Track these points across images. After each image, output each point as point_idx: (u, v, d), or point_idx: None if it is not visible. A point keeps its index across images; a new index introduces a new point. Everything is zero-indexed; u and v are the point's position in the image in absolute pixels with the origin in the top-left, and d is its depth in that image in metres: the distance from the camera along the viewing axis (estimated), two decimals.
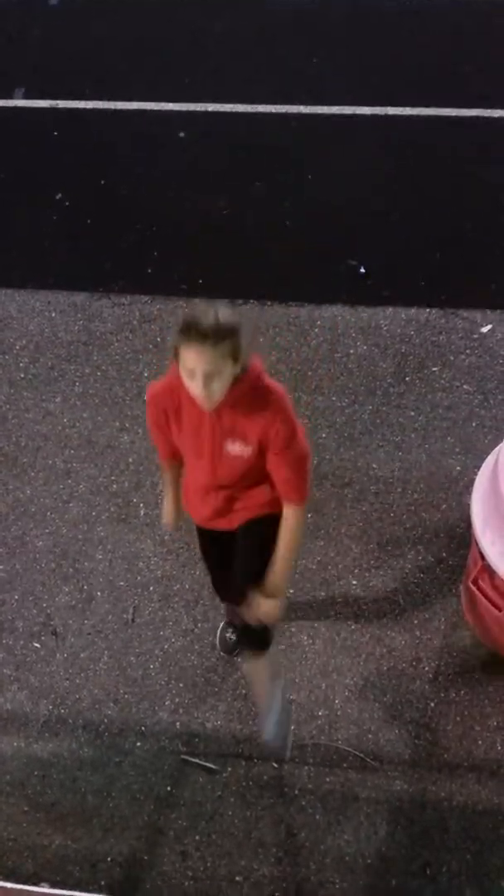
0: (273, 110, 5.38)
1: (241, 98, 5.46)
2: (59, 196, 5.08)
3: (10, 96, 5.67)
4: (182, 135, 5.33)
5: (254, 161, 5.14)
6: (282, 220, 4.84)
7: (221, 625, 3.42)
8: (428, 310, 4.39)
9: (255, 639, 2.80)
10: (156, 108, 5.49)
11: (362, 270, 4.61)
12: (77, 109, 5.55)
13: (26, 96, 5.66)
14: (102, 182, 5.13)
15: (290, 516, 2.47)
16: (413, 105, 5.33)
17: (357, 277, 4.59)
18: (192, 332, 2.07)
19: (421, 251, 4.66)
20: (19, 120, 5.54)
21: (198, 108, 5.46)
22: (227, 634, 3.38)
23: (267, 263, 4.66)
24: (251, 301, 4.47)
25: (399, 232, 4.75)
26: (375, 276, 4.58)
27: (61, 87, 5.66)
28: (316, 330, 4.34)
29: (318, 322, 4.37)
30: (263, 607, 2.53)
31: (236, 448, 2.34)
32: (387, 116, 5.29)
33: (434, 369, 4.15)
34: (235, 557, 2.66)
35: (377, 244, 4.71)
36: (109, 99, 5.57)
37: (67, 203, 5.05)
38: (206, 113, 5.44)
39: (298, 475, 2.43)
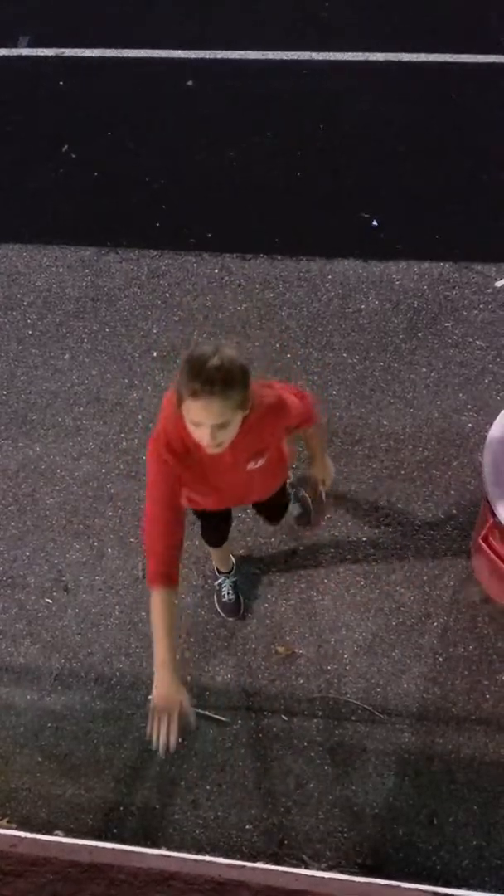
0: (284, 57, 5.23)
1: (251, 45, 5.31)
2: (65, 148, 4.99)
3: (14, 45, 5.53)
4: (190, 84, 5.20)
5: (264, 111, 5.02)
6: (293, 172, 4.74)
7: (217, 588, 3.43)
8: (441, 264, 4.31)
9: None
10: (164, 55, 5.35)
11: (375, 223, 4.52)
12: (83, 58, 5.42)
13: (31, 45, 5.52)
14: (109, 133, 5.03)
15: (313, 430, 2.60)
16: (428, 51, 5.16)
17: (369, 230, 4.50)
18: (198, 385, 1.91)
19: (435, 203, 4.56)
20: (24, 70, 5.42)
21: (207, 56, 5.31)
22: (225, 598, 3.40)
23: (277, 216, 4.58)
24: (261, 255, 4.40)
25: (413, 183, 4.64)
26: (388, 229, 4.49)
27: (67, 35, 5.52)
28: (327, 285, 4.28)
29: (330, 276, 4.30)
30: (328, 480, 2.82)
31: (259, 462, 2.35)
32: (401, 63, 5.13)
33: (447, 325, 4.09)
34: (262, 510, 2.97)
35: (390, 196, 4.61)
36: (116, 47, 5.43)
37: (74, 155, 4.96)
38: (215, 60, 5.29)
39: (310, 413, 2.49)
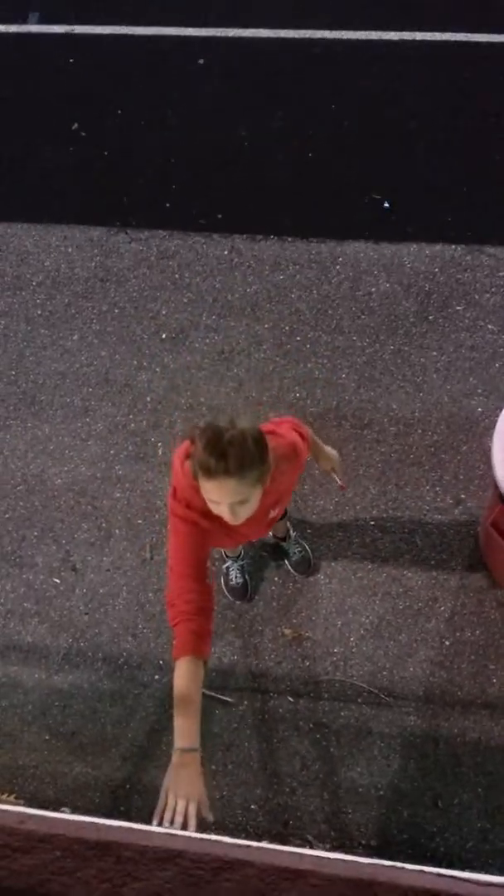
0: (296, 36, 5.16)
1: (263, 23, 5.24)
2: (75, 126, 4.95)
3: (24, 21, 5.48)
4: (201, 62, 5.15)
5: (275, 89, 4.96)
6: (304, 152, 4.69)
7: (225, 572, 3.44)
8: (453, 246, 4.27)
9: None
10: (175, 33, 5.29)
11: (386, 205, 4.48)
12: (93, 35, 5.36)
13: (41, 21, 5.47)
14: (119, 112, 4.99)
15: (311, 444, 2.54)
16: (442, 30, 5.08)
17: (381, 212, 4.46)
18: (212, 463, 1.81)
19: (447, 185, 4.51)
20: (34, 47, 5.37)
21: (218, 34, 5.25)
22: (233, 582, 3.40)
23: (288, 197, 4.55)
24: (271, 237, 4.37)
25: (425, 165, 4.59)
26: (400, 211, 4.45)
27: (77, 11, 5.46)
28: (338, 267, 4.25)
29: (340, 259, 4.27)
30: (336, 466, 2.79)
31: (277, 508, 2.33)
32: (414, 42, 5.06)
33: (458, 308, 4.06)
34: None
35: (402, 177, 4.56)
36: (127, 24, 5.37)
37: (84, 134, 4.92)
38: (226, 38, 5.23)
39: (307, 442, 2.44)
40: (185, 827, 1.73)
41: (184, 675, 1.93)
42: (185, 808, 1.75)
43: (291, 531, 3.42)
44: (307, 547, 3.45)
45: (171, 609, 2.03)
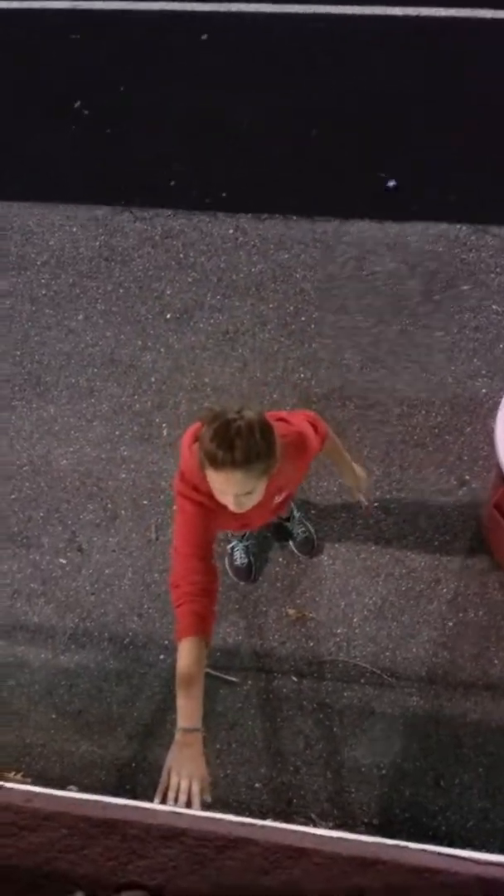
0: (300, 11, 5.09)
1: None
2: (77, 104, 4.91)
3: None
4: (204, 38, 5.09)
5: (279, 66, 4.91)
6: (307, 130, 4.65)
7: (230, 552, 3.45)
8: (458, 226, 4.23)
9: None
10: (178, 8, 5.23)
11: (391, 183, 4.44)
12: (96, 11, 5.30)
13: None
14: (122, 89, 4.94)
15: (329, 445, 2.54)
16: (447, 5, 5.01)
17: (386, 191, 4.43)
18: (219, 455, 1.82)
19: (453, 164, 4.47)
20: (37, 23, 5.31)
21: (221, 9, 5.18)
22: (237, 562, 3.42)
23: (292, 176, 4.51)
24: (276, 215, 4.34)
25: (430, 143, 4.54)
26: (405, 190, 4.41)
27: None
28: (343, 246, 4.22)
29: (345, 238, 4.24)
30: (364, 488, 2.89)
31: (283, 494, 2.33)
32: (419, 18, 4.99)
33: (463, 288, 4.03)
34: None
35: (407, 156, 4.52)
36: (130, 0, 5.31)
37: (87, 112, 4.88)
38: (229, 14, 5.17)
39: (324, 436, 2.46)
40: (188, 805, 1.75)
41: (186, 656, 1.95)
42: (188, 788, 1.77)
43: (296, 511, 3.43)
44: (311, 528, 3.46)
45: (175, 590, 2.05)
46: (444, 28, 4.94)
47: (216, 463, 1.84)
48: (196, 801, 1.77)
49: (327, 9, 5.08)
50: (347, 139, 4.60)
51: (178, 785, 1.77)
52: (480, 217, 4.24)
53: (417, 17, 4.98)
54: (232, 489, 1.90)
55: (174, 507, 2.12)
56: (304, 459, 2.26)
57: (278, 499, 2.33)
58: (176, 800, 1.76)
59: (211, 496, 2.03)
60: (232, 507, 1.96)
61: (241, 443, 1.81)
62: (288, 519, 3.42)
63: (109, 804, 1.32)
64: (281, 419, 2.20)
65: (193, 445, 1.99)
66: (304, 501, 3.55)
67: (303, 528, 3.44)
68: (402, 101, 4.69)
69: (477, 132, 4.55)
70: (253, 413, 1.88)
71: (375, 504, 3.52)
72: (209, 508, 2.07)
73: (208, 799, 1.81)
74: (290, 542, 3.47)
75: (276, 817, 2.93)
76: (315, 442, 2.31)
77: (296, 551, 3.46)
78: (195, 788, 1.78)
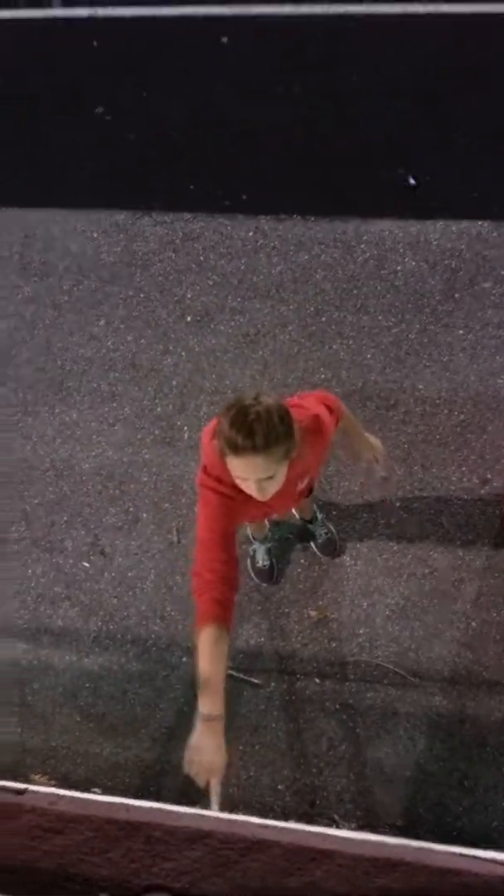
0: (318, 11, 5.09)
1: None
2: (99, 110, 4.94)
3: (48, 5, 5.46)
4: (225, 41, 5.10)
5: (299, 66, 4.90)
6: (327, 130, 4.64)
7: (251, 554, 3.46)
8: (480, 222, 4.21)
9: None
10: (196, 12, 5.24)
11: (412, 181, 4.42)
12: (116, 18, 5.33)
13: (65, 4, 5.45)
14: (144, 94, 4.96)
15: (344, 422, 2.54)
16: (469, 1, 4.98)
17: (406, 189, 4.41)
18: (239, 440, 1.83)
19: (473, 160, 4.44)
20: (58, 31, 5.35)
21: (240, 12, 5.19)
22: (259, 564, 3.42)
23: (312, 176, 4.50)
24: (295, 216, 4.34)
25: (451, 139, 4.52)
26: (425, 187, 4.39)
27: None
28: (362, 246, 4.21)
29: (365, 237, 4.24)
30: (382, 459, 2.87)
31: (305, 480, 2.34)
32: (441, 15, 4.96)
33: (485, 285, 4.01)
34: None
35: (428, 152, 4.49)
36: (149, 5, 5.33)
37: (108, 117, 4.91)
38: (249, 16, 5.17)
39: (340, 415, 2.46)
40: (206, 790, 1.80)
41: (207, 643, 1.95)
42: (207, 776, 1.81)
43: (318, 513, 3.43)
44: (333, 529, 3.46)
45: (197, 578, 2.06)
46: (464, 24, 4.91)
47: (237, 449, 1.85)
48: (215, 797, 1.81)
49: (346, 8, 5.07)
50: (367, 137, 4.59)
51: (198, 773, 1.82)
52: (502, 213, 4.21)
53: (438, 14, 4.96)
54: (254, 474, 1.90)
55: (198, 502, 2.13)
56: (321, 442, 2.26)
57: (300, 485, 2.33)
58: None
59: (234, 487, 2.04)
60: (255, 493, 1.96)
61: (261, 427, 1.82)
62: (311, 521, 3.42)
63: (133, 807, 1.33)
64: (295, 405, 2.21)
65: (214, 441, 2.00)
66: (326, 502, 3.55)
67: (325, 530, 3.44)
68: (424, 97, 4.67)
69: (497, 127, 4.52)
70: (270, 398, 1.89)
71: (397, 503, 3.51)
72: (233, 500, 2.08)
73: (218, 788, 1.85)
74: (313, 544, 3.47)
75: (300, 819, 2.93)
76: (330, 423, 2.31)
77: (318, 553, 3.46)
78: (214, 785, 1.81)
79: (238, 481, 1.98)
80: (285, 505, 2.42)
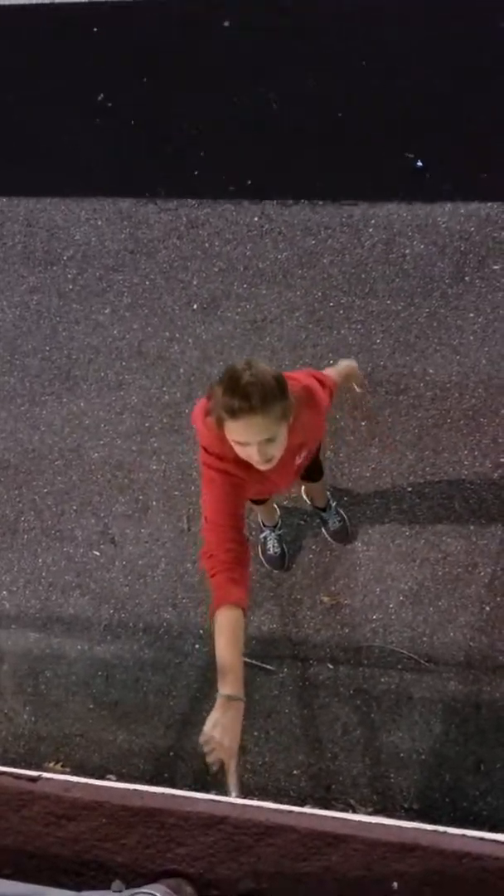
0: None
1: None
2: (100, 97, 4.90)
3: None
4: (227, 24, 5.05)
5: (304, 49, 4.85)
6: (334, 113, 4.59)
7: (262, 542, 3.44)
8: (489, 204, 4.16)
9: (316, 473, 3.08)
10: None
11: (420, 164, 4.37)
12: (116, 3, 5.29)
13: None
14: (145, 80, 4.92)
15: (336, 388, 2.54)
16: None
17: (414, 171, 4.36)
18: (236, 403, 1.84)
19: (482, 141, 4.38)
20: (58, 18, 5.31)
21: None
22: (270, 551, 3.41)
23: (318, 160, 4.46)
24: (302, 201, 4.30)
25: (459, 121, 4.46)
26: (433, 170, 4.34)
27: None
28: (370, 230, 4.17)
29: (373, 221, 4.19)
30: (357, 380, 2.92)
31: (303, 454, 2.32)
32: None
33: (495, 267, 3.97)
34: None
35: (435, 134, 4.44)
36: None
37: (110, 104, 4.87)
38: (251, 0, 5.12)
39: (333, 390, 2.45)
40: (221, 767, 1.77)
41: (227, 625, 1.92)
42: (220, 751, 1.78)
43: (331, 501, 3.41)
44: (346, 516, 3.44)
45: (210, 560, 2.03)
46: (472, 6, 4.84)
47: (234, 412, 1.85)
48: (232, 780, 1.80)
49: None
50: (374, 121, 4.54)
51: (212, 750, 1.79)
52: None
53: None
54: (255, 436, 1.89)
55: (201, 483, 2.12)
56: (316, 414, 2.24)
57: (299, 459, 2.32)
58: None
59: (237, 463, 2.03)
60: (256, 458, 1.94)
61: (256, 388, 1.83)
62: (324, 509, 3.40)
63: (147, 793, 1.32)
64: (287, 376, 2.19)
65: (206, 419, 1.99)
66: (337, 489, 3.53)
67: (338, 518, 3.42)
68: (430, 78, 4.61)
69: None
70: (261, 363, 1.90)
71: (409, 488, 3.49)
72: (237, 477, 2.07)
73: (236, 773, 1.84)
74: (324, 530, 3.46)
75: (315, 804, 2.93)
76: (324, 395, 2.29)
77: (330, 539, 3.44)
78: (231, 767, 1.79)
79: (239, 449, 1.96)
80: (287, 479, 2.40)
